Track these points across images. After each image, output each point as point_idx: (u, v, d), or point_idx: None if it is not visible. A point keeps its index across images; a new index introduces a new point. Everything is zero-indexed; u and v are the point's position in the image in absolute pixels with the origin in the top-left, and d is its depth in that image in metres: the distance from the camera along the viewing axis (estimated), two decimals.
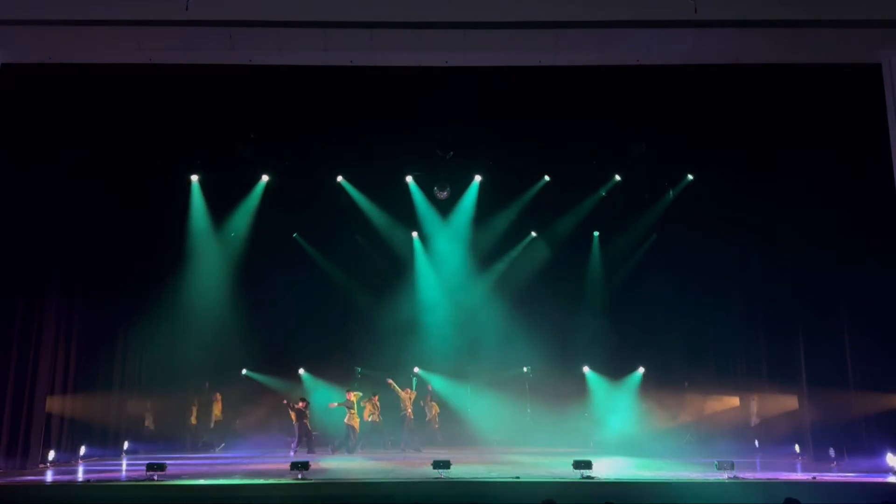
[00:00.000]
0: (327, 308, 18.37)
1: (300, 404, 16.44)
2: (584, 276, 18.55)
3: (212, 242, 17.65)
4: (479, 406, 18.14)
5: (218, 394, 17.81)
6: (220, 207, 17.06)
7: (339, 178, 17.03)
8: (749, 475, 11.15)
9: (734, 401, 16.83)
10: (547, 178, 16.96)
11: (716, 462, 11.06)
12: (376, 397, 16.72)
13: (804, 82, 12.20)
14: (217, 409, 17.64)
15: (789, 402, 14.86)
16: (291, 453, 15.66)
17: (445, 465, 10.97)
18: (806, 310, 14.28)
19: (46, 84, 12.13)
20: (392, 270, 18.71)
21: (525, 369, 18.65)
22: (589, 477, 10.59)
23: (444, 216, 17.86)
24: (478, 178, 16.99)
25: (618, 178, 16.91)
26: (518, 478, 10.77)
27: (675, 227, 17.13)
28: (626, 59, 11.59)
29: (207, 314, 17.66)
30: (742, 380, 16.56)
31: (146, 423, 16.86)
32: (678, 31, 10.73)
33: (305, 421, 16.32)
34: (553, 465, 12.46)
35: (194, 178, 16.49)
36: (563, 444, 16.49)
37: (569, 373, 18.25)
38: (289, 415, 16.63)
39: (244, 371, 18.42)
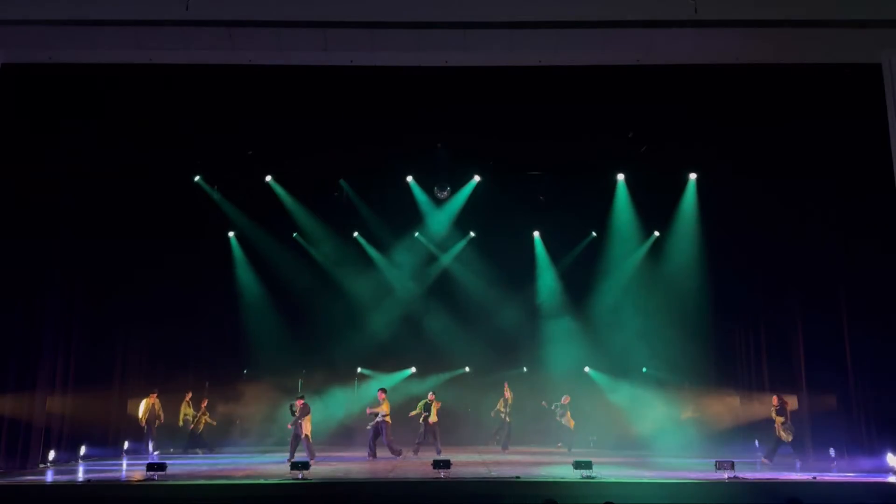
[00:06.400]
0: (327, 308, 18.38)
1: (298, 402, 14.45)
2: (587, 275, 18.56)
3: (214, 241, 17.70)
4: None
5: (189, 393, 17.06)
6: (223, 207, 17.07)
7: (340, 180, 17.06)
8: (749, 475, 11.16)
9: (734, 400, 16.84)
10: (547, 178, 16.94)
11: (715, 462, 11.06)
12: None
13: (804, 82, 12.20)
14: (188, 410, 16.90)
15: (789, 403, 14.84)
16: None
17: (445, 464, 10.97)
18: (806, 310, 14.29)
19: (46, 84, 12.14)
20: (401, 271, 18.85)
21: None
22: (589, 477, 10.59)
23: (445, 216, 17.90)
24: (476, 178, 16.98)
25: (620, 177, 16.92)
26: (518, 478, 10.78)
27: (676, 225, 17.13)
28: (626, 59, 11.59)
29: (209, 313, 17.72)
30: (742, 380, 16.57)
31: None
32: (678, 31, 10.73)
33: (300, 421, 14.08)
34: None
35: (197, 177, 16.49)
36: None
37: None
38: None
39: (245, 371, 18.46)
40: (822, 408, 13.72)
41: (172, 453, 16.13)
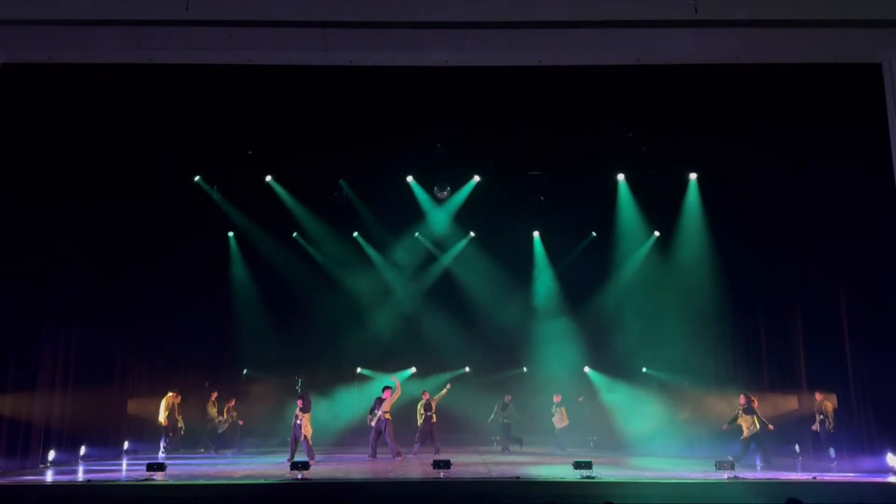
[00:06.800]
0: (327, 309, 18.37)
1: (298, 402, 14.26)
2: (585, 275, 18.52)
3: (214, 241, 17.69)
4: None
5: (214, 393, 17.31)
6: (223, 206, 17.05)
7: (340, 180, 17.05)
8: (749, 475, 11.16)
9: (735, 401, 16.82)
10: (547, 178, 16.91)
11: (715, 462, 11.05)
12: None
13: (804, 82, 12.19)
14: (213, 410, 17.13)
15: (789, 403, 14.86)
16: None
17: (445, 465, 10.98)
18: (806, 310, 14.27)
19: (46, 84, 12.13)
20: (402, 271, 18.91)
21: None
22: (589, 477, 10.59)
23: (445, 215, 17.88)
24: (476, 178, 16.96)
25: (620, 177, 16.90)
26: (518, 478, 10.78)
27: (676, 226, 17.13)
28: (626, 59, 11.59)
29: (209, 313, 17.72)
30: (743, 380, 16.55)
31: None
32: (678, 31, 10.74)
33: (299, 422, 13.90)
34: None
35: (197, 177, 16.48)
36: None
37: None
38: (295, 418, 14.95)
39: (245, 371, 18.47)
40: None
41: (203, 452, 16.36)
